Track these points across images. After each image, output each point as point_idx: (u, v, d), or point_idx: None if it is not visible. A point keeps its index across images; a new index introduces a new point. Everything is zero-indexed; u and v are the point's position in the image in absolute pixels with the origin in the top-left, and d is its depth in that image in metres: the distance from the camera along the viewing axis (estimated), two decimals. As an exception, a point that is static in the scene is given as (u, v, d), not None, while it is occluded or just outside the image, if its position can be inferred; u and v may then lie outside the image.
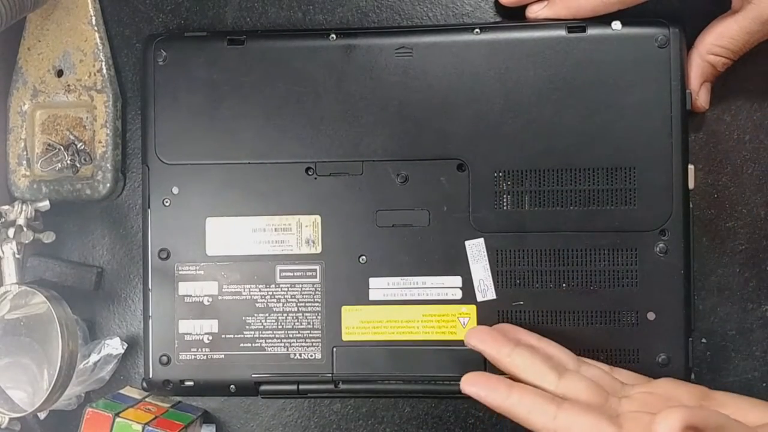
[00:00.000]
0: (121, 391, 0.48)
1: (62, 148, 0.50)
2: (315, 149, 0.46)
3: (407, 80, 0.46)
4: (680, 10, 0.46)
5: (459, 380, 0.45)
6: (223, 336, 0.47)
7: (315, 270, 0.46)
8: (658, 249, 0.45)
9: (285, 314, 0.46)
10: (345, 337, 0.46)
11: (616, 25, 0.45)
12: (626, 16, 0.45)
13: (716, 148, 0.48)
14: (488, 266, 0.45)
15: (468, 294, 0.46)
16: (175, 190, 0.47)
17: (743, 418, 0.36)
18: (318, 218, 0.46)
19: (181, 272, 0.47)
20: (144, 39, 0.49)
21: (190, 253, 0.47)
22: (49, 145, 0.50)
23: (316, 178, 0.47)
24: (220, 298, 0.47)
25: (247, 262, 0.47)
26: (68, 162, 0.50)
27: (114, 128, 0.49)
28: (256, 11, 0.50)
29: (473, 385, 0.39)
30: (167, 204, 0.47)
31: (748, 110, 0.48)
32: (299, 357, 0.46)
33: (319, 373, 0.46)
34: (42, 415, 0.49)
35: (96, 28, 0.50)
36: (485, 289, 0.46)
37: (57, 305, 0.44)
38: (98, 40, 0.50)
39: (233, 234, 0.47)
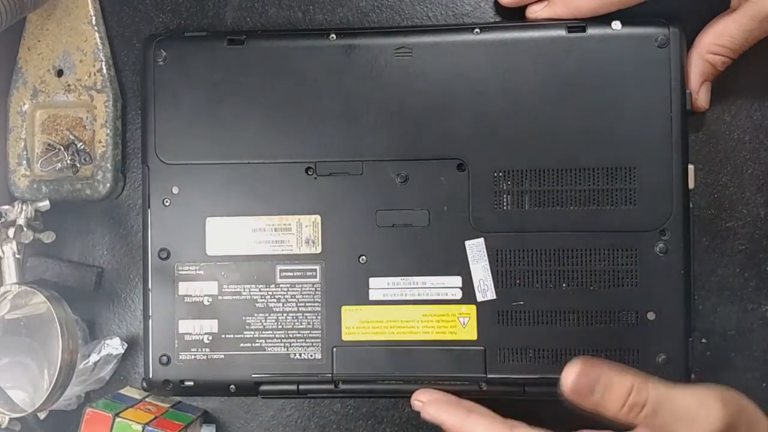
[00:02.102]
0: (121, 391, 0.49)
1: (62, 148, 0.50)
2: (315, 149, 0.46)
3: (407, 80, 0.46)
4: (680, 10, 0.46)
5: (459, 380, 0.45)
6: (223, 336, 0.47)
7: (315, 270, 0.46)
8: (658, 249, 0.45)
9: (285, 314, 0.47)
10: (345, 337, 0.46)
11: (616, 25, 0.45)
12: (626, 16, 0.45)
13: (716, 148, 0.48)
14: (488, 266, 0.45)
15: (468, 294, 0.46)
16: (175, 190, 0.47)
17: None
18: (318, 218, 0.46)
19: (181, 272, 0.47)
20: (144, 39, 0.49)
21: (190, 253, 0.47)
22: (49, 145, 0.50)
23: (316, 178, 0.47)
24: (220, 298, 0.47)
25: (247, 262, 0.47)
26: (68, 162, 0.50)
27: (114, 128, 0.49)
28: (256, 11, 0.50)
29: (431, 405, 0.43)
30: (167, 204, 0.47)
31: (748, 110, 0.48)
32: (299, 357, 0.46)
33: (319, 373, 0.46)
34: (42, 415, 0.49)
35: (96, 28, 0.50)
36: (485, 289, 0.46)
37: (57, 305, 0.44)
38: (98, 40, 0.50)
39: (233, 234, 0.47)
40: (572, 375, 0.37)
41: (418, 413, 0.43)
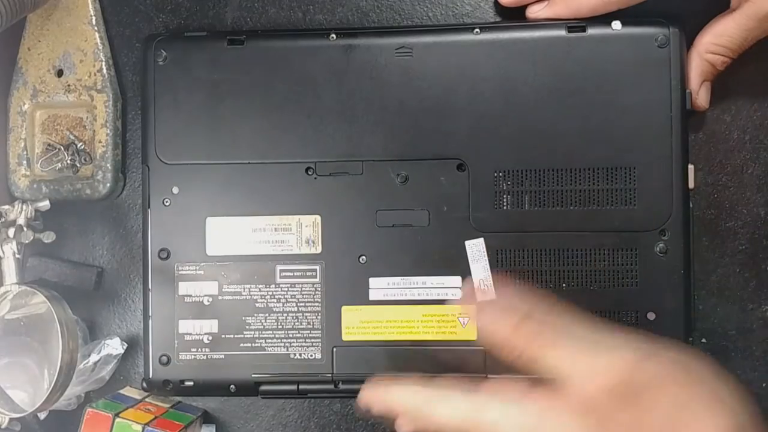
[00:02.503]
0: (121, 391, 0.48)
1: (62, 148, 0.50)
2: (315, 149, 0.46)
3: (407, 80, 0.46)
4: (680, 10, 0.46)
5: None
6: (223, 336, 0.47)
7: (315, 270, 0.46)
8: (658, 249, 0.45)
9: (285, 314, 0.47)
10: (345, 337, 0.46)
11: (616, 25, 0.45)
12: (626, 16, 0.45)
13: (716, 148, 0.48)
14: (488, 266, 0.45)
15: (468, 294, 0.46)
16: (175, 190, 0.47)
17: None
18: (318, 218, 0.46)
19: (181, 272, 0.47)
20: (144, 39, 0.49)
21: (190, 253, 0.47)
22: (49, 145, 0.50)
23: (316, 178, 0.47)
24: (220, 298, 0.47)
25: (247, 262, 0.47)
26: (68, 162, 0.50)
27: (114, 128, 0.49)
28: (256, 11, 0.50)
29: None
30: (167, 204, 0.47)
31: (748, 110, 0.48)
32: (299, 357, 0.46)
33: (319, 373, 0.46)
34: (42, 415, 0.49)
35: (96, 28, 0.50)
36: (485, 289, 0.46)
37: (57, 305, 0.44)
38: (98, 40, 0.50)
39: (233, 234, 0.47)
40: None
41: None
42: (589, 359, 0.32)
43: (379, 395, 0.38)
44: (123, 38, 0.51)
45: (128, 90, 0.51)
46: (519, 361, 0.34)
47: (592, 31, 0.45)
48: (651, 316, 0.45)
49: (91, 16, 0.50)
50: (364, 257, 0.46)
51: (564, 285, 0.45)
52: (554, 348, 0.33)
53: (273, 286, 0.47)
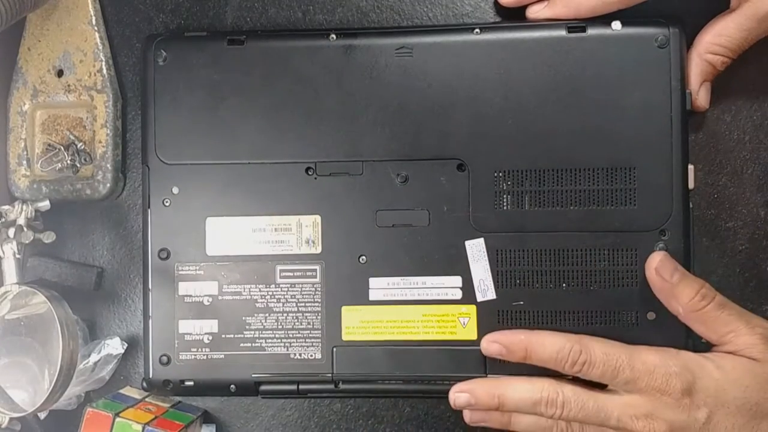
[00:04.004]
0: (121, 391, 0.49)
1: (62, 148, 0.50)
2: (315, 149, 0.46)
3: (407, 80, 0.46)
4: (680, 10, 0.46)
5: (459, 380, 0.45)
6: (223, 336, 0.47)
7: (315, 270, 0.46)
8: (658, 249, 0.45)
9: (285, 314, 0.47)
10: (345, 337, 0.46)
11: (616, 25, 0.45)
12: (626, 16, 0.45)
13: (716, 148, 0.48)
14: (488, 266, 0.45)
15: (468, 294, 0.46)
16: (175, 190, 0.47)
17: None
18: (318, 218, 0.46)
19: (181, 272, 0.47)
20: (144, 39, 0.49)
21: (190, 253, 0.47)
22: (49, 145, 0.50)
23: (316, 178, 0.47)
24: (220, 298, 0.47)
25: (247, 262, 0.47)
26: (68, 162, 0.50)
27: (114, 128, 0.49)
28: (256, 11, 0.50)
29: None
30: (167, 204, 0.47)
31: (748, 110, 0.48)
32: (299, 357, 0.46)
33: (319, 373, 0.46)
34: (42, 415, 0.49)
35: (96, 28, 0.50)
36: (485, 289, 0.46)
37: (57, 305, 0.44)
38: (98, 40, 0.50)
39: (233, 234, 0.47)
40: (659, 256, 0.43)
41: (418, 413, 0.43)
42: (750, 318, 0.42)
43: (523, 340, 0.44)
44: (123, 38, 0.51)
45: (128, 90, 0.51)
46: (688, 319, 0.43)
47: (592, 31, 0.45)
48: (651, 316, 0.45)
49: (91, 16, 0.50)
50: (364, 257, 0.46)
51: (564, 285, 0.45)
52: (726, 310, 0.42)
53: (273, 286, 0.47)
